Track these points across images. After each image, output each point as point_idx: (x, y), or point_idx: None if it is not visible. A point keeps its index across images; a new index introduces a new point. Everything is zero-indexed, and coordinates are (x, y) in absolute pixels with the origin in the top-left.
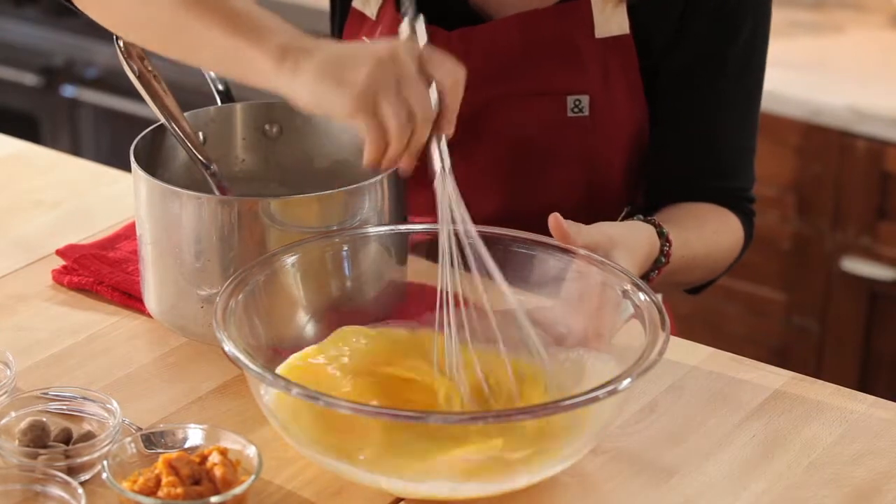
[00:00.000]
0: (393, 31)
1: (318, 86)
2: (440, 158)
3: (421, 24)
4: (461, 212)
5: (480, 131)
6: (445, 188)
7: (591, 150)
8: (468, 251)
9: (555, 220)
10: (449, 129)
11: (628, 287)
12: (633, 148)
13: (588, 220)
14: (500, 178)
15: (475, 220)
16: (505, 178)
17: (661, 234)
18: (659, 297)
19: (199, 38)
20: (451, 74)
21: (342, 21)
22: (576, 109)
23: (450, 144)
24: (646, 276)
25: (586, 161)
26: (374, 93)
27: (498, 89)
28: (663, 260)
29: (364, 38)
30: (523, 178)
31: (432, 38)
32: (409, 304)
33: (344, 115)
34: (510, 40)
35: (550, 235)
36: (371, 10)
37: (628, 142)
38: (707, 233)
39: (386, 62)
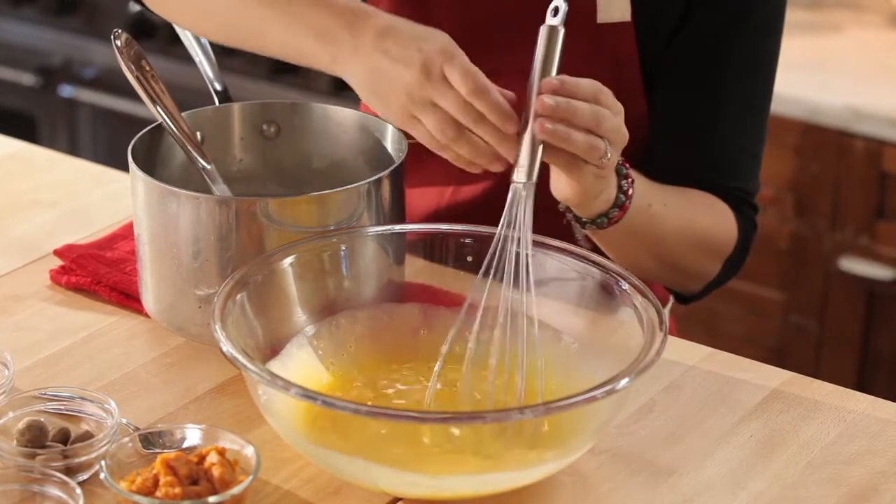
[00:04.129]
0: (391, 11)
1: (367, 97)
2: (527, 163)
3: None
4: (526, 227)
5: None
6: (523, 201)
7: None
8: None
9: None
10: (505, 127)
11: (627, 288)
12: (630, 138)
13: None
14: None
15: (474, 198)
16: None
17: (619, 172)
18: (669, 304)
19: (261, 34)
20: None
21: None
22: None
23: None
24: (605, 215)
25: None
26: (410, 114)
27: (493, 64)
28: (623, 198)
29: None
30: None
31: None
32: (407, 304)
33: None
34: (507, 14)
35: (550, 227)
36: None
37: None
38: (688, 201)
39: (418, 84)
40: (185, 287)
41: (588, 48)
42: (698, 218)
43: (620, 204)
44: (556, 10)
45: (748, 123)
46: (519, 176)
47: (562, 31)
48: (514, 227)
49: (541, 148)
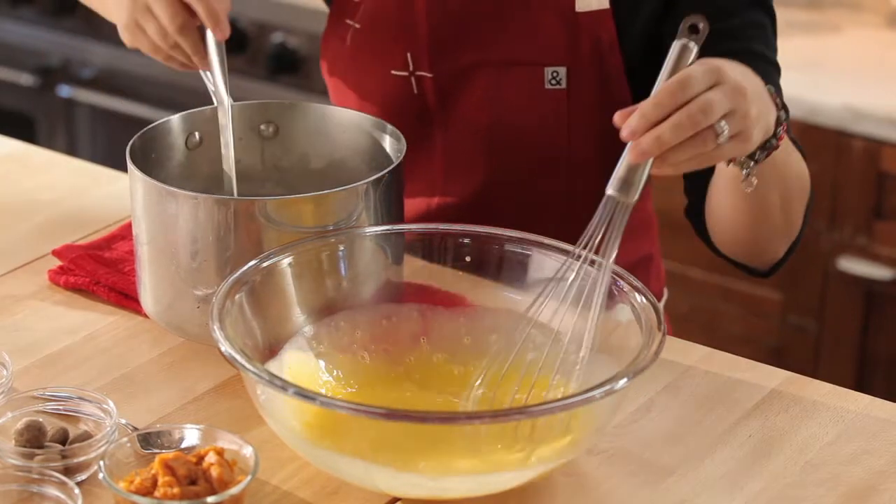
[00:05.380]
0: (376, 6)
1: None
2: (625, 176)
3: None
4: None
5: (459, 100)
6: (617, 220)
7: (569, 124)
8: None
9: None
10: (215, 30)
11: (626, 288)
12: (611, 123)
13: (566, 198)
14: (481, 149)
15: (462, 196)
16: (486, 150)
17: (779, 120)
18: (663, 300)
19: None
20: None
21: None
22: (553, 81)
23: (431, 111)
24: (774, 135)
25: (564, 135)
26: (136, 22)
27: (474, 56)
28: (774, 142)
29: (348, 20)
30: (503, 150)
31: None
32: (406, 304)
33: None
34: (485, 5)
35: (532, 212)
36: None
37: (606, 117)
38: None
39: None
40: (184, 287)
41: (567, 37)
42: (797, 159)
43: (777, 134)
44: (694, 28)
45: (768, 73)
46: (614, 189)
47: (694, 51)
48: (594, 247)
49: (648, 165)
